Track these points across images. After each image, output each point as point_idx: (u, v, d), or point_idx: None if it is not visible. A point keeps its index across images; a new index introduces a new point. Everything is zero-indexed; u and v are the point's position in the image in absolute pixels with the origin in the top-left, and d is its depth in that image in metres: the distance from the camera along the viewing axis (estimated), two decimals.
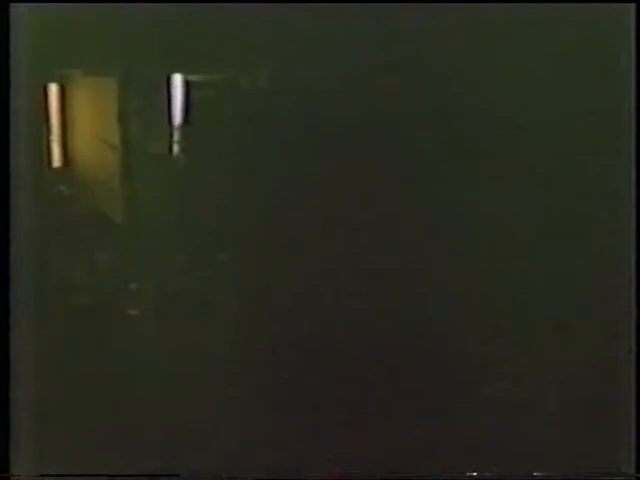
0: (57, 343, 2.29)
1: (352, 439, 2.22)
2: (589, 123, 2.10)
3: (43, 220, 2.28)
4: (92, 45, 2.23)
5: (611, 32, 2.05)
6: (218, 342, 2.27)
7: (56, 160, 2.29)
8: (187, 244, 2.27)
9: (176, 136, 2.24)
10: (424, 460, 2.19)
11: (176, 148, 2.25)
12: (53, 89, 2.26)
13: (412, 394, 2.21)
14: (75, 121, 2.29)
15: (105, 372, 2.28)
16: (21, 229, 2.22)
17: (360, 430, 2.22)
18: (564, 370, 2.19)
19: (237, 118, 2.21)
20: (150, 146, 2.28)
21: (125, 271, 2.30)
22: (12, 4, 2.13)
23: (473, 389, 2.21)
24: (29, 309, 2.23)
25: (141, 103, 2.26)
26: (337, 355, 2.21)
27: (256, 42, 2.17)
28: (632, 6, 2.04)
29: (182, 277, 2.28)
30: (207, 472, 2.23)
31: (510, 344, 2.20)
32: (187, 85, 2.21)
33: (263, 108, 2.20)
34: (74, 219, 2.31)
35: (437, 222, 2.19)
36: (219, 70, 2.22)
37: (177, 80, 2.21)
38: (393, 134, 2.16)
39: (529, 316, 2.19)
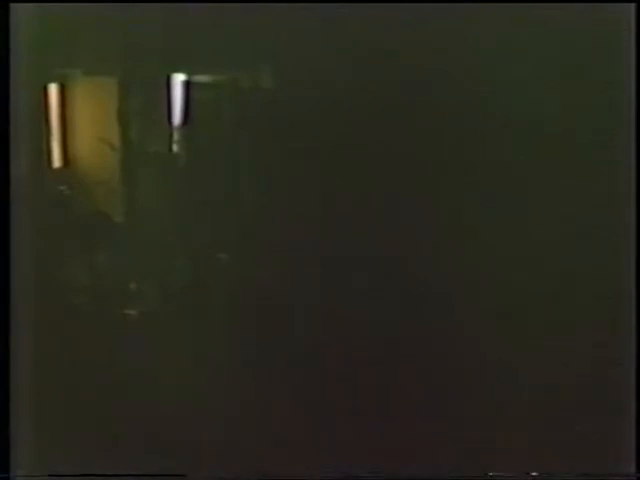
0: (57, 343, 2.29)
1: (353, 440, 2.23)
2: (589, 121, 2.10)
3: (43, 220, 2.28)
4: (92, 45, 2.23)
5: (611, 32, 2.05)
6: (218, 341, 2.27)
7: (56, 160, 2.29)
8: (187, 244, 2.27)
9: (176, 136, 2.24)
10: (425, 460, 2.19)
11: (176, 148, 2.25)
12: (53, 89, 2.26)
13: (411, 395, 2.21)
14: (75, 121, 2.29)
15: (105, 371, 2.28)
16: (21, 229, 2.22)
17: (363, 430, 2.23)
18: (564, 370, 2.19)
19: (237, 118, 2.21)
20: (150, 146, 2.28)
21: (125, 271, 2.31)
22: (12, 4, 2.13)
23: (475, 391, 2.21)
24: (29, 309, 2.23)
25: (141, 103, 2.26)
26: (337, 354, 2.22)
27: (256, 42, 2.17)
28: (632, 6, 2.04)
29: (182, 277, 2.29)
30: (211, 472, 2.23)
31: (510, 343, 2.20)
32: (187, 85, 2.22)
33: (263, 108, 2.20)
34: (74, 219, 2.31)
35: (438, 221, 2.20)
36: (219, 70, 2.22)
37: (177, 80, 2.21)
38: (394, 134, 2.16)
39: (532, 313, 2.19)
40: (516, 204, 2.16)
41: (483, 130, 2.14)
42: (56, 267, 2.32)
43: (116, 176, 2.30)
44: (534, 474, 2.18)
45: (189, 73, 2.21)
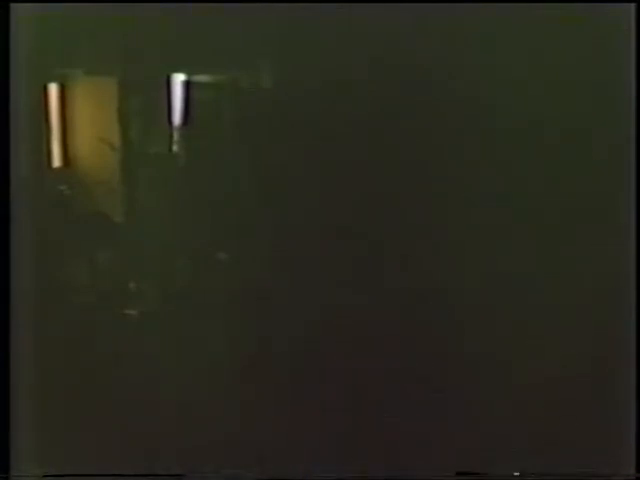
0: (57, 343, 2.29)
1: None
2: (589, 121, 2.10)
3: (43, 220, 2.28)
4: (92, 45, 2.23)
5: (611, 32, 2.05)
6: (218, 341, 2.27)
7: (56, 160, 2.29)
8: (187, 244, 2.27)
9: (176, 136, 2.24)
10: (425, 460, 2.19)
11: (176, 148, 2.25)
12: (53, 89, 2.26)
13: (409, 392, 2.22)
14: (75, 121, 2.29)
15: (104, 371, 2.28)
16: (21, 229, 2.22)
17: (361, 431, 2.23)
18: (564, 370, 2.19)
19: (237, 118, 2.21)
20: (150, 146, 2.28)
21: (125, 271, 2.31)
22: (12, 4, 2.13)
23: (474, 390, 2.21)
24: (29, 309, 2.23)
25: (141, 103, 2.26)
26: (337, 354, 2.22)
27: (256, 42, 2.17)
28: (632, 6, 2.04)
29: (182, 277, 2.29)
30: (211, 472, 2.23)
31: (510, 343, 2.20)
32: (187, 85, 2.22)
33: (263, 108, 2.20)
34: (74, 219, 2.31)
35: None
36: (219, 70, 2.22)
37: (177, 80, 2.21)
38: (394, 134, 2.16)
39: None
40: (516, 204, 2.17)
41: (483, 130, 2.14)
42: (56, 267, 2.32)
43: (116, 176, 2.30)
44: (534, 474, 2.18)
45: (189, 73, 2.21)
